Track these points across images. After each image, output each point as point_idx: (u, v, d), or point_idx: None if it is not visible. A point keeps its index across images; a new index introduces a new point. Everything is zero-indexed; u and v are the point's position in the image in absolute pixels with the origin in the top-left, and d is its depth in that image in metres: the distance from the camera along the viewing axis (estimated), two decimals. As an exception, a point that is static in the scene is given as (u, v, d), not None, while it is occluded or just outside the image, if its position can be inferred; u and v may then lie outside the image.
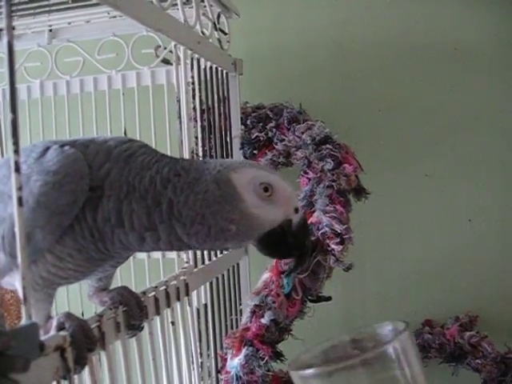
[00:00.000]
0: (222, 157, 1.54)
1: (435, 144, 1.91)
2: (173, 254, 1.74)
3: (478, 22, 1.87)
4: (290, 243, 0.85)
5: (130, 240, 0.83)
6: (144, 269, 1.77)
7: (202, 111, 1.41)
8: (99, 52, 1.72)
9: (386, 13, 1.93)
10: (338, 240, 1.35)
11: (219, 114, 1.53)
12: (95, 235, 0.83)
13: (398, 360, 0.60)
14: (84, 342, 0.78)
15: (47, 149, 0.83)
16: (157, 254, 1.79)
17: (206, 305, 1.37)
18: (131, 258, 1.77)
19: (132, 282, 1.76)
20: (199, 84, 1.38)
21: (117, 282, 1.75)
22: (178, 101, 1.25)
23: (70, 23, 1.69)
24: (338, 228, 1.34)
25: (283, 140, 1.59)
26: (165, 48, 1.62)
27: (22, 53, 1.80)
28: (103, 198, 0.82)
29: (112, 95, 1.74)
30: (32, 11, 1.62)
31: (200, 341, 1.31)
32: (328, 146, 1.47)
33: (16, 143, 0.66)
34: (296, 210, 0.84)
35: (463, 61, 1.88)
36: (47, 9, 1.60)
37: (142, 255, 1.81)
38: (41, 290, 0.86)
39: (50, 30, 1.73)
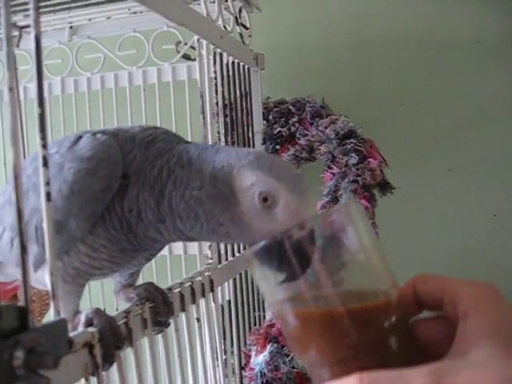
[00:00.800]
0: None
1: (459, 138, 1.89)
2: (195, 251, 1.74)
3: (502, 13, 1.84)
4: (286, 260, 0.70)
5: (151, 233, 0.83)
6: (166, 265, 1.77)
7: (225, 106, 1.40)
8: (120, 48, 1.72)
9: (407, 5, 1.91)
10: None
11: (241, 109, 1.52)
12: (124, 226, 0.82)
13: (344, 228, 0.59)
14: (112, 339, 0.77)
15: (79, 137, 0.83)
16: (179, 251, 1.79)
17: (229, 301, 1.36)
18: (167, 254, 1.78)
19: (154, 279, 1.77)
20: (221, 79, 1.37)
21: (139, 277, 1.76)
22: (202, 96, 1.24)
23: (90, 20, 1.69)
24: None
25: (306, 135, 1.58)
26: (185, 44, 1.61)
27: (43, 50, 1.80)
28: (129, 186, 0.81)
29: (133, 91, 1.74)
30: (52, 8, 1.61)
31: (224, 338, 1.30)
32: (352, 140, 1.46)
33: (43, 138, 0.65)
34: (301, 227, 0.65)
35: (487, 53, 1.85)
36: (67, 6, 1.60)
37: (163, 251, 1.80)
38: (72, 281, 0.85)
39: (71, 27, 1.73)
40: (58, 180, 0.79)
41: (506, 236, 1.85)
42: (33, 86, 1.82)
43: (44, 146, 0.65)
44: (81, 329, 0.78)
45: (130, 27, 1.69)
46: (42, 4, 1.57)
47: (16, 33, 1.73)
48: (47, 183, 0.65)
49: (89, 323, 0.78)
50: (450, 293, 0.57)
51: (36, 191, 0.81)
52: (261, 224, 0.75)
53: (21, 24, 1.70)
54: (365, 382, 0.51)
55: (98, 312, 0.79)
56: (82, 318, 0.79)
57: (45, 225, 0.65)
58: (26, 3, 1.53)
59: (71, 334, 0.74)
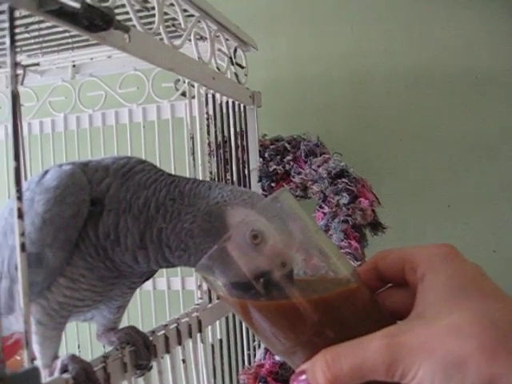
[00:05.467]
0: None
1: (457, 173, 1.88)
2: (192, 286, 1.75)
3: (499, 50, 1.85)
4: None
5: (127, 259, 0.84)
6: (164, 300, 1.79)
7: (218, 145, 1.41)
8: (121, 86, 1.76)
9: (405, 42, 1.92)
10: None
11: (237, 147, 1.54)
12: (100, 253, 0.84)
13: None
14: (86, 385, 0.79)
15: (47, 171, 0.87)
16: (177, 286, 1.80)
17: (221, 340, 1.36)
18: (151, 289, 1.80)
19: (152, 314, 1.78)
20: (214, 119, 1.39)
21: (137, 312, 1.78)
22: (192, 138, 1.26)
23: (92, 59, 1.73)
24: (352, 265, 1.32)
25: (300, 173, 1.58)
26: (184, 81, 1.64)
27: (47, 87, 1.86)
28: (104, 212, 0.83)
29: (133, 128, 1.76)
30: (56, 48, 1.66)
31: (215, 377, 1.30)
32: (344, 179, 1.46)
33: (19, 190, 0.67)
34: (283, 264, 0.67)
35: (485, 89, 1.85)
36: (70, 46, 1.64)
37: (162, 286, 1.82)
38: (56, 315, 0.86)
39: (74, 66, 1.77)
40: (30, 214, 0.82)
41: (506, 272, 1.83)
42: (37, 123, 1.84)
43: (19, 198, 0.68)
44: (56, 375, 0.80)
45: (131, 66, 1.72)
46: (47, 44, 1.61)
47: (20, 71, 1.77)
48: (22, 234, 0.67)
49: (64, 369, 0.80)
50: (409, 260, 0.58)
51: (12, 231, 0.84)
52: (247, 260, 0.77)
53: (25, 63, 1.75)
54: (328, 357, 0.53)
55: (73, 358, 0.80)
56: (58, 364, 0.81)
57: (19, 274, 0.67)
58: (29, 44, 1.58)
59: (46, 381, 0.75)
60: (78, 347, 1.78)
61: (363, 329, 0.54)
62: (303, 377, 0.55)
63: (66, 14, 0.78)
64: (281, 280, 0.60)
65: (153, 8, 1.11)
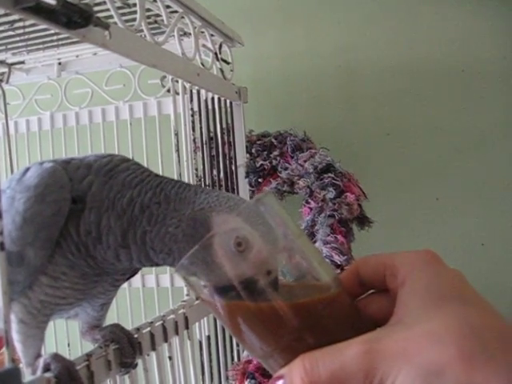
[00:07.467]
0: (227, 186, 1.54)
1: (445, 167, 1.89)
2: (181, 283, 1.75)
3: (485, 43, 1.85)
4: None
5: (109, 256, 0.84)
6: (153, 297, 1.79)
7: (204, 142, 1.41)
8: (107, 83, 1.75)
9: (393, 36, 1.92)
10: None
11: (223, 143, 1.53)
12: (82, 250, 0.84)
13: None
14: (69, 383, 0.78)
15: (27, 169, 0.86)
16: (166, 283, 1.80)
17: (209, 337, 1.36)
18: (140, 286, 1.80)
19: (141, 311, 1.78)
20: (200, 115, 1.39)
21: (126, 310, 1.78)
22: (176, 134, 1.26)
23: (77, 56, 1.72)
24: (338, 259, 1.32)
25: (287, 168, 1.58)
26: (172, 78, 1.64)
27: (33, 85, 1.85)
28: (85, 210, 0.83)
29: (120, 126, 1.76)
30: (41, 46, 1.65)
31: (203, 373, 1.30)
32: (330, 174, 1.45)
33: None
34: (268, 272, 0.66)
35: (471, 82, 1.86)
36: (56, 43, 1.63)
37: (151, 283, 1.82)
38: (38, 314, 0.86)
39: (59, 63, 1.76)
40: (11, 212, 0.81)
41: (494, 265, 1.84)
42: (23, 121, 1.83)
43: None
44: (39, 374, 0.79)
45: (117, 63, 1.71)
46: (32, 42, 1.60)
47: (6, 69, 1.76)
48: (1, 233, 0.67)
49: (46, 368, 0.79)
50: (389, 266, 0.57)
51: None
52: (231, 266, 0.77)
53: (10, 61, 1.74)
54: (306, 363, 0.52)
55: (56, 357, 0.80)
56: (40, 363, 0.80)
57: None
58: (14, 42, 1.56)
59: (28, 379, 0.75)
60: (68, 345, 1.78)
61: (343, 335, 0.54)
62: (280, 382, 0.54)
63: (43, 11, 0.78)
64: (265, 287, 0.60)
65: (134, 4, 1.10)
